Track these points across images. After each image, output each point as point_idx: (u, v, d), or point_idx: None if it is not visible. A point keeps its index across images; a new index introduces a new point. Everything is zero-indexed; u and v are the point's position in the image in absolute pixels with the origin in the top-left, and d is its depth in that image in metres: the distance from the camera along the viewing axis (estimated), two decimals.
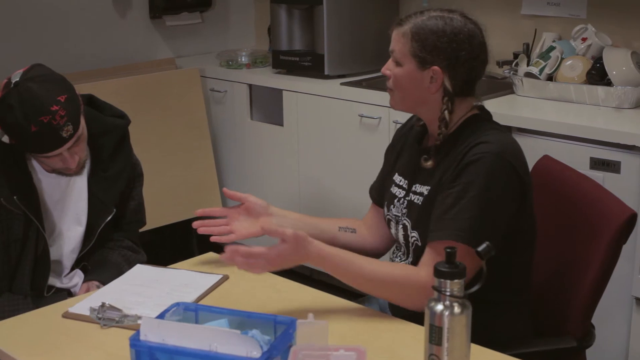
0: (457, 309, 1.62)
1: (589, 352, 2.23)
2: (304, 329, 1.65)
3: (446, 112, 2.13)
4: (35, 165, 2.40)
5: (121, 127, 2.55)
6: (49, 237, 2.44)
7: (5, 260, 2.37)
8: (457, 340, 1.63)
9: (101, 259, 2.55)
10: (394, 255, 2.33)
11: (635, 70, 3.27)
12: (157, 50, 4.77)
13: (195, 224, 2.35)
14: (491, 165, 2.03)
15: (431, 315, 1.63)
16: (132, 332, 1.74)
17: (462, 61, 2.12)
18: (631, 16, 3.59)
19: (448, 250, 1.64)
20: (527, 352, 2.06)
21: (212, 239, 2.35)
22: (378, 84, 3.73)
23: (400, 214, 2.25)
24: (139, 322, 1.82)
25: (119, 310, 2.06)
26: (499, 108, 3.40)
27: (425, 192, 2.17)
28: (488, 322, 2.06)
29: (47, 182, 2.42)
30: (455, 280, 1.63)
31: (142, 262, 2.51)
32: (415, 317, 1.95)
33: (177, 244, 4.66)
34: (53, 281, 2.48)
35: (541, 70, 3.48)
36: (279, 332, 1.73)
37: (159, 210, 4.27)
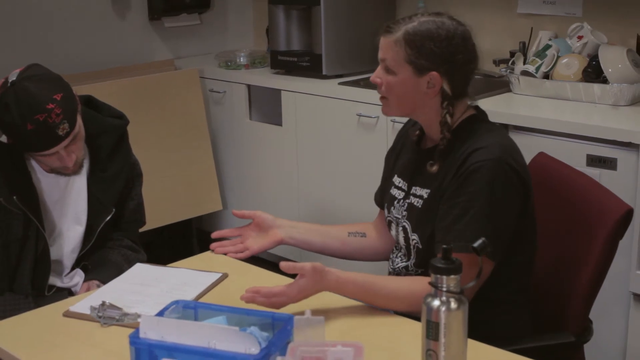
0: (453, 305, 1.64)
1: (587, 347, 2.25)
2: (301, 325, 1.66)
3: (447, 116, 2.13)
4: (35, 165, 2.42)
5: (119, 127, 2.56)
6: (49, 237, 2.46)
7: (5, 260, 2.38)
8: (454, 335, 1.65)
9: (101, 259, 2.57)
10: (394, 256, 2.33)
11: (630, 68, 3.29)
12: (156, 51, 4.78)
13: (212, 246, 2.44)
14: (493, 173, 2.04)
15: (428, 310, 1.65)
16: (132, 331, 1.75)
17: (459, 64, 2.12)
18: (627, 14, 3.61)
19: (444, 247, 1.65)
20: (526, 348, 2.07)
21: (230, 255, 2.42)
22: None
23: (400, 216, 2.26)
24: (139, 320, 1.84)
25: (119, 308, 2.07)
26: (496, 106, 3.42)
27: (425, 195, 2.17)
28: (488, 320, 2.08)
29: (46, 182, 2.44)
30: (452, 276, 1.64)
31: (142, 262, 2.53)
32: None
33: (177, 243, 4.68)
34: (54, 280, 2.50)
35: (537, 69, 3.50)
36: (277, 329, 1.75)
37: (159, 210, 4.28)
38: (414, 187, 2.23)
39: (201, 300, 2.16)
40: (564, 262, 2.27)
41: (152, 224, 4.25)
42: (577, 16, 3.73)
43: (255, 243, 2.43)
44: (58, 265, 2.50)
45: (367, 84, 3.92)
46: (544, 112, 3.33)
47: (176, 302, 1.84)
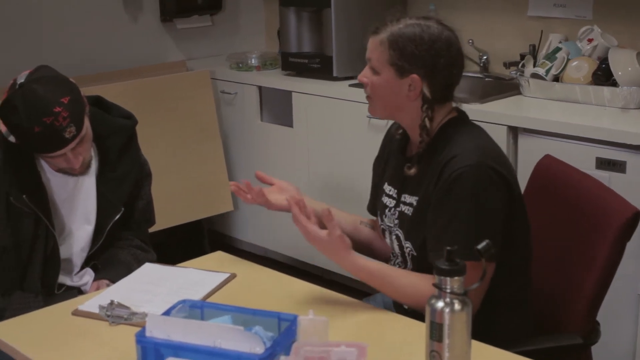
0: (457, 306, 1.64)
1: (595, 349, 2.25)
2: (304, 326, 1.67)
3: (426, 119, 2.14)
4: (44, 165, 2.44)
5: (128, 127, 2.58)
6: (59, 236, 2.47)
7: (16, 259, 2.40)
8: (458, 336, 1.65)
9: (111, 258, 2.59)
10: (392, 263, 2.34)
11: None
12: (168, 52, 4.81)
13: (232, 184, 2.40)
14: (475, 178, 2.04)
15: (432, 312, 1.65)
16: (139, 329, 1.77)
17: (440, 68, 2.12)
18: (637, 17, 3.60)
19: (448, 248, 1.66)
20: (533, 350, 2.08)
21: (246, 201, 2.39)
22: None
23: (392, 225, 2.26)
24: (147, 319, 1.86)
25: (127, 308, 2.09)
26: (506, 109, 3.42)
27: (415, 203, 2.18)
28: (487, 320, 2.08)
29: (55, 181, 2.46)
30: (456, 278, 1.65)
31: (151, 261, 2.54)
32: (419, 314, 1.97)
33: (188, 243, 4.69)
34: (64, 279, 2.52)
35: (547, 71, 3.50)
36: (283, 329, 1.76)
37: (170, 211, 4.31)
38: (403, 195, 2.23)
39: (208, 300, 2.17)
40: (571, 263, 2.27)
41: (163, 224, 4.28)
42: (587, 19, 3.73)
43: (275, 200, 2.39)
44: (68, 264, 2.52)
45: None
46: (554, 114, 3.33)
47: (183, 302, 1.86)
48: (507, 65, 3.84)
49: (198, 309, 1.86)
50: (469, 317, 1.66)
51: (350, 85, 4.00)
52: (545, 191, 2.44)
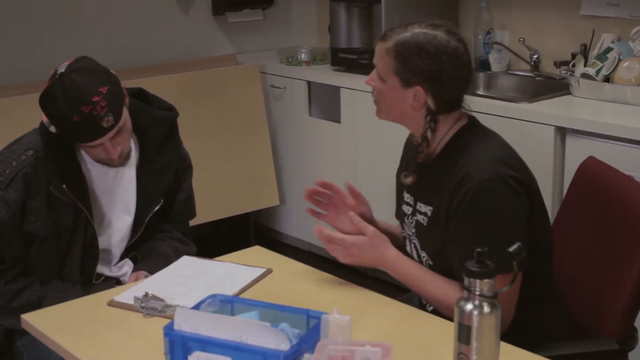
0: (486, 309, 1.63)
1: (633, 356, 2.21)
2: (327, 324, 1.67)
3: (428, 131, 2.11)
4: (84, 156, 2.46)
5: (169, 119, 2.60)
6: (99, 226, 2.50)
7: (55, 247, 2.43)
8: (486, 339, 1.64)
9: (150, 250, 2.61)
10: None
11: None
12: (219, 46, 4.83)
13: (308, 191, 2.37)
14: (494, 192, 2.01)
15: (460, 313, 1.64)
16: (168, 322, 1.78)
17: (445, 82, 2.09)
18: None
19: (479, 250, 1.65)
20: (567, 355, 2.05)
21: (318, 221, 2.39)
22: None
23: (410, 233, 2.25)
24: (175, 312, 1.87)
25: (161, 300, 2.11)
26: (555, 109, 3.38)
27: (429, 213, 2.15)
28: (518, 321, 2.06)
29: (95, 172, 2.48)
30: (485, 280, 1.63)
31: (191, 254, 2.56)
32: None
33: (234, 237, 4.72)
34: (103, 269, 2.54)
35: (598, 72, 3.44)
36: (311, 327, 1.76)
37: (217, 204, 4.34)
38: (418, 204, 2.21)
39: (243, 294, 2.18)
40: (609, 267, 2.24)
41: (210, 217, 4.31)
42: None
43: (344, 228, 2.31)
44: (107, 254, 2.55)
45: None
46: (603, 116, 3.28)
47: (213, 296, 1.86)
48: (558, 64, 3.79)
49: (228, 304, 1.86)
50: (498, 320, 1.64)
51: None
52: (586, 193, 2.40)
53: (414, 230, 2.23)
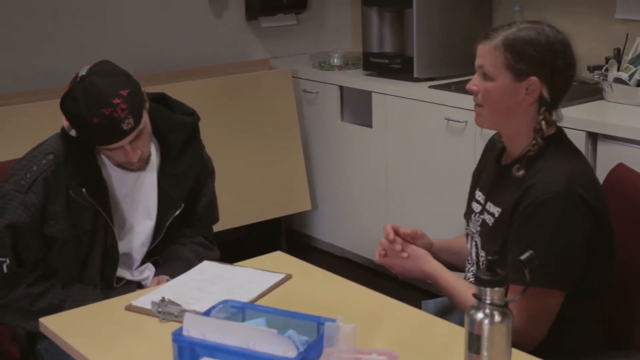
0: (497, 318, 1.61)
1: None
2: (331, 332, 1.65)
3: (543, 122, 2.10)
4: (105, 160, 2.47)
5: (190, 124, 2.60)
6: (120, 231, 2.51)
7: (75, 251, 2.44)
8: (497, 349, 1.62)
9: (172, 254, 2.61)
10: (467, 270, 2.33)
11: None
12: (252, 50, 4.84)
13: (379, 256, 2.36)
14: (560, 207, 1.99)
15: (470, 322, 1.62)
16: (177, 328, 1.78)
17: (559, 70, 2.09)
18: None
19: (489, 258, 1.63)
20: None
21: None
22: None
23: (474, 230, 2.24)
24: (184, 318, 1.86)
25: (178, 305, 2.11)
26: (586, 114, 3.33)
27: (497, 214, 2.15)
28: (556, 335, 2.03)
29: (116, 177, 2.49)
30: (496, 289, 1.61)
31: (214, 259, 2.56)
32: None
33: (266, 241, 4.72)
34: (124, 273, 2.55)
35: (631, 76, 3.39)
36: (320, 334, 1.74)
37: (249, 208, 4.34)
38: (488, 203, 2.20)
39: (261, 300, 2.17)
40: (637, 275, 2.20)
41: (241, 221, 4.32)
42: None
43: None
44: (128, 258, 2.55)
45: (457, 88, 3.87)
46: (636, 121, 3.22)
47: (225, 302, 1.86)
48: (591, 69, 3.73)
49: (239, 310, 1.85)
50: (508, 330, 1.62)
51: (431, 87, 3.96)
52: (615, 200, 2.36)
53: (478, 228, 2.22)
